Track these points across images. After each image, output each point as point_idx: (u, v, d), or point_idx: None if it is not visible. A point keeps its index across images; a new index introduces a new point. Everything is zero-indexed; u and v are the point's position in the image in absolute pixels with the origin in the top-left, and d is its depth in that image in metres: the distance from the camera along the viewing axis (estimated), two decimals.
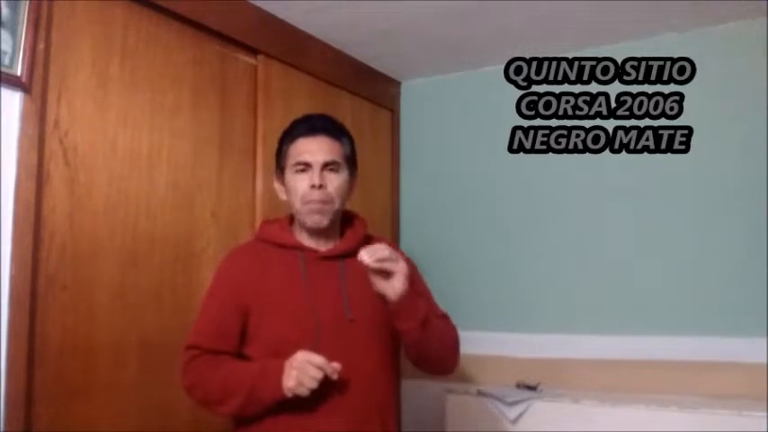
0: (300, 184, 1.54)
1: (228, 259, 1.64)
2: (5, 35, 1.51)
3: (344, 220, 1.66)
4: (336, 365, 1.40)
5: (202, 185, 2.05)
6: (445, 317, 1.67)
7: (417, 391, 2.68)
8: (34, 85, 1.58)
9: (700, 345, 2.25)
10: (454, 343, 1.63)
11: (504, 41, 2.53)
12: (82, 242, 1.69)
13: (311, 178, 1.53)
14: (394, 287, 1.40)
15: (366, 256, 1.37)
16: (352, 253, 1.50)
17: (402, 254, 1.56)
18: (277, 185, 1.64)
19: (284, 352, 1.45)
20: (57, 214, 1.63)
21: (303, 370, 1.38)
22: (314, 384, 1.38)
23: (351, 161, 1.63)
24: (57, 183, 1.64)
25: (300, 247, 1.58)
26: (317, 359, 1.39)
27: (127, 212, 1.81)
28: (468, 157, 2.80)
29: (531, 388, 2.41)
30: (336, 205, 1.56)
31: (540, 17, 2.30)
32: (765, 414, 1.95)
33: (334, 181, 1.55)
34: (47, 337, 1.59)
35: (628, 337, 2.38)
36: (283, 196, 1.62)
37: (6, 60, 1.51)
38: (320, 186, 1.52)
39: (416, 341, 1.48)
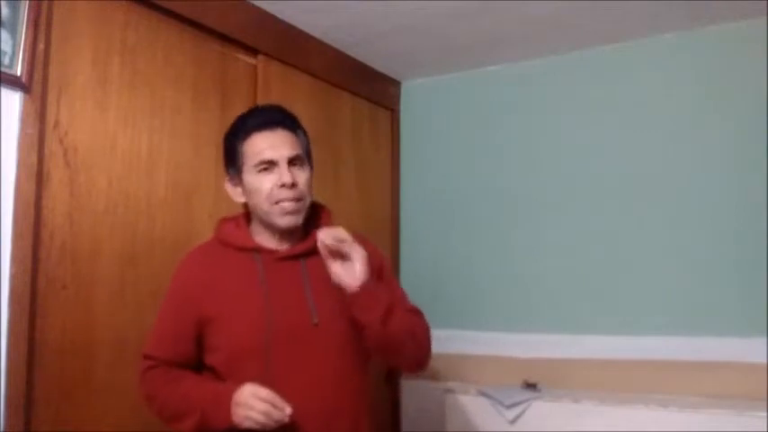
0: (266, 185, 1.41)
1: (183, 265, 1.52)
2: (5, 35, 1.51)
3: (309, 215, 1.51)
4: (288, 410, 1.30)
5: (202, 186, 2.05)
6: (416, 311, 1.52)
7: (417, 391, 2.68)
8: (34, 85, 1.58)
9: (700, 345, 2.25)
10: (424, 336, 1.49)
11: (505, 41, 2.53)
12: (82, 242, 1.69)
13: (280, 177, 1.41)
14: (354, 273, 1.33)
15: (323, 234, 1.31)
16: (315, 251, 1.39)
17: (373, 246, 1.51)
18: (230, 188, 1.50)
19: (241, 361, 1.40)
20: (57, 214, 1.63)
21: (249, 406, 1.30)
22: (262, 419, 1.29)
23: (309, 154, 1.51)
24: (57, 183, 1.64)
25: (257, 249, 1.47)
26: (264, 393, 1.29)
27: (127, 212, 1.82)
28: (468, 157, 2.80)
29: (531, 385, 2.41)
30: (308, 202, 1.46)
31: (540, 17, 2.30)
32: (765, 414, 1.96)
33: (302, 176, 1.44)
34: (47, 337, 1.59)
35: (628, 337, 2.38)
36: (240, 199, 1.49)
37: (6, 60, 1.51)
38: (292, 185, 1.41)
39: (380, 334, 1.37)
